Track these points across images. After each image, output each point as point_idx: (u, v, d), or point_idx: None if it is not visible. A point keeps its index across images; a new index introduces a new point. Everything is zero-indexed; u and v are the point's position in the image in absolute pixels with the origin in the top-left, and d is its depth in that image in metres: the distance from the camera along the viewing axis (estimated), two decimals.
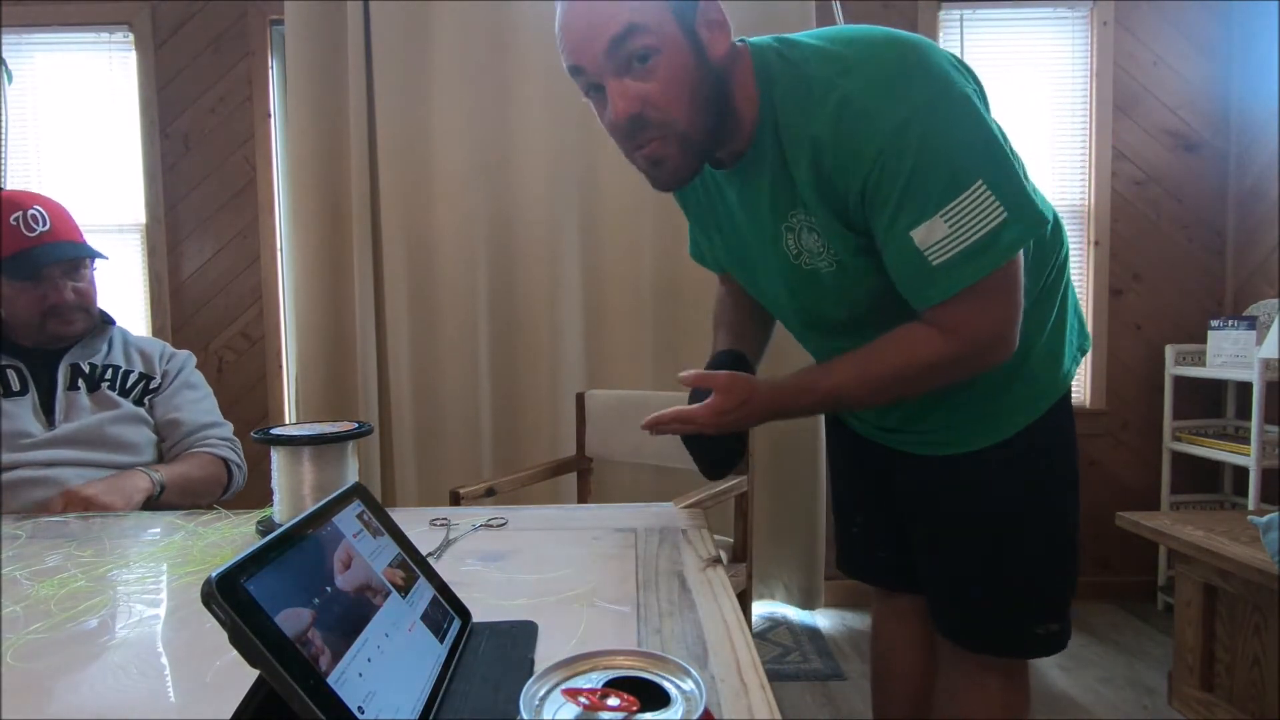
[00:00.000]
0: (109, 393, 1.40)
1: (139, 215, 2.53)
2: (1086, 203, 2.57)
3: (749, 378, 0.97)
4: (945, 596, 1.08)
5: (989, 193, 0.79)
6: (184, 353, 1.55)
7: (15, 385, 1.35)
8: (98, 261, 1.45)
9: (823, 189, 0.86)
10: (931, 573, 1.09)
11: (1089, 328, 2.56)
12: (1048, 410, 1.01)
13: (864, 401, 1.00)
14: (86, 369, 1.41)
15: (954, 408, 1.01)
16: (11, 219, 1.34)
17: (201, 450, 1.43)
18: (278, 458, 0.93)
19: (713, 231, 1.08)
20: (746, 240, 1.01)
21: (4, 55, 2.48)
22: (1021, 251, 0.85)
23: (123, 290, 2.54)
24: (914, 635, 1.23)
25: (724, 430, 0.96)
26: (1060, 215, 1.01)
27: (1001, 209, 0.80)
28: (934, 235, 0.81)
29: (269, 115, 2.51)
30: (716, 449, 1.02)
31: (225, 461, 1.45)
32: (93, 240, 1.48)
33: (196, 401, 1.50)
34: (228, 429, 1.51)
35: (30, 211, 1.36)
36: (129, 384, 1.44)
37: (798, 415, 1.03)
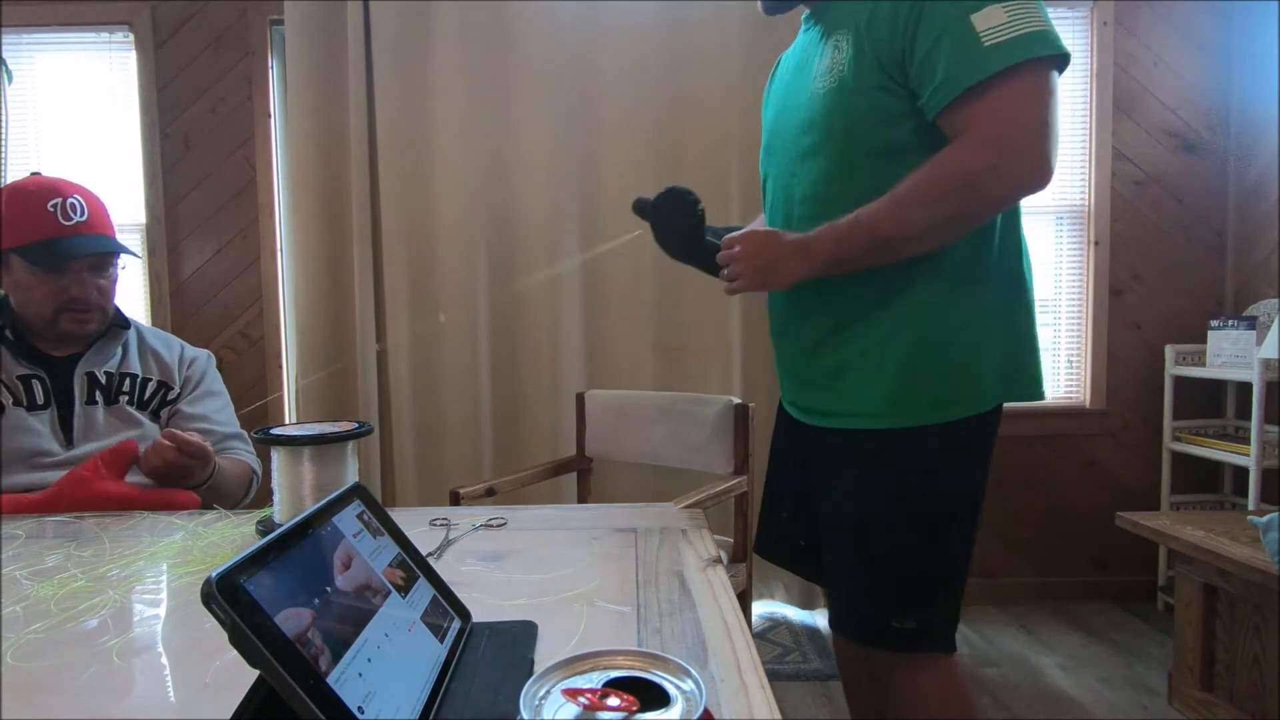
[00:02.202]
0: (128, 408, 1.35)
1: (139, 215, 2.53)
2: (1086, 203, 2.57)
3: (766, 229, 1.08)
4: (829, 583, 1.13)
5: (1039, 6, 0.91)
6: (203, 353, 1.49)
7: (40, 399, 1.30)
8: (123, 259, 1.39)
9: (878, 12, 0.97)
10: (826, 559, 1.13)
11: (1086, 335, 2.61)
12: (955, 422, 1.01)
13: (899, 234, 0.96)
14: (103, 379, 1.35)
15: (871, 367, 1.03)
16: (49, 205, 1.29)
17: (233, 456, 1.40)
18: (278, 458, 0.93)
19: (767, 98, 1.23)
20: (785, 84, 1.16)
21: (4, 55, 2.47)
22: (1050, 99, 0.90)
23: (123, 290, 2.53)
24: None
25: (770, 284, 1.06)
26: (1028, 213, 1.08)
27: (1047, 23, 0.90)
28: (992, 20, 0.89)
29: (269, 115, 2.51)
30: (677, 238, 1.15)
31: (252, 469, 1.42)
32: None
33: (219, 410, 1.45)
34: (248, 440, 1.46)
35: (70, 200, 1.30)
36: (147, 394, 1.38)
37: (838, 262, 1.01)
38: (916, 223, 0.95)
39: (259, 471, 1.44)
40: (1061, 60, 0.92)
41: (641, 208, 1.18)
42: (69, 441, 1.29)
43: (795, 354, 1.16)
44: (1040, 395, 1.06)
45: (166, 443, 1.20)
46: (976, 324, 1.01)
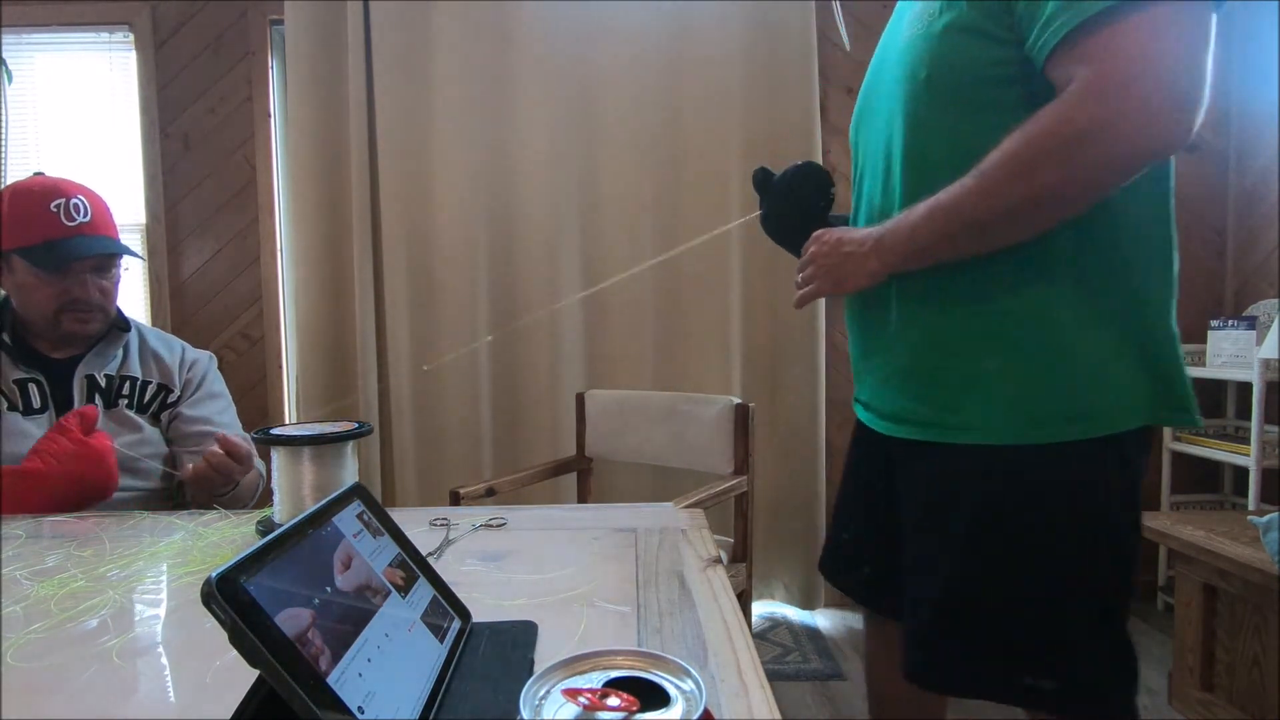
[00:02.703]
0: (127, 412, 1.34)
1: (139, 215, 2.53)
2: None
3: (836, 227, 0.96)
4: (910, 622, 0.92)
5: None
6: (205, 355, 1.48)
7: (36, 403, 1.29)
8: (126, 260, 1.38)
9: None
10: (909, 594, 0.93)
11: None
12: (1098, 440, 0.81)
13: (986, 213, 0.78)
14: (103, 382, 1.34)
15: (980, 377, 0.84)
16: (52, 205, 1.28)
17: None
18: (278, 458, 0.93)
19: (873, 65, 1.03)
20: (884, 38, 0.98)
21: (4, 55, 2.47)
22: (1209, 15, 0.70)
23: (123, 290, 2.53)
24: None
25: (843, 286, 0.92)
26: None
27: None
28: None
29: (269, 115, 2.51)
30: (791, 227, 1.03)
31: (260, 474, 1.41)
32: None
33: (221, 413, 1.44)
34: (251, 443, 1.44)
35: (73, 201, 1.29)
36: (147, 397, 1.37)
37: (915, 254, 0.85)
38: (1006, 198, 0.76)
39: (265, 475, 1.43)
40: None
41: (764, 179, 1.04)
42: None
43: (881, 351, 0.96)
44: (1194, 421, 0.86)
45: (217, 449, 1.19)
46: (1119, 325, 0.83)
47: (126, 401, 1.35)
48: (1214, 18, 0.70)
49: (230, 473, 1.21)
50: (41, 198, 1.29)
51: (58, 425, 1.18)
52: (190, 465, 1.23)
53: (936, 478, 0.90)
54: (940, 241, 0.82)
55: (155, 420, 1.38)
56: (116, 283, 1.38)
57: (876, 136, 0.96)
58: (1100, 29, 0.70)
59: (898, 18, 0.96)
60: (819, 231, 0.96)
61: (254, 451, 1.35)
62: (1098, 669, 0.83)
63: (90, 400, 1.33)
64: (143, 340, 1.43)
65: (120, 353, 1.38)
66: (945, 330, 0.88)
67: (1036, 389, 0.82)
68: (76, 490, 1.15)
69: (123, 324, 1.41)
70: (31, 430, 1.26)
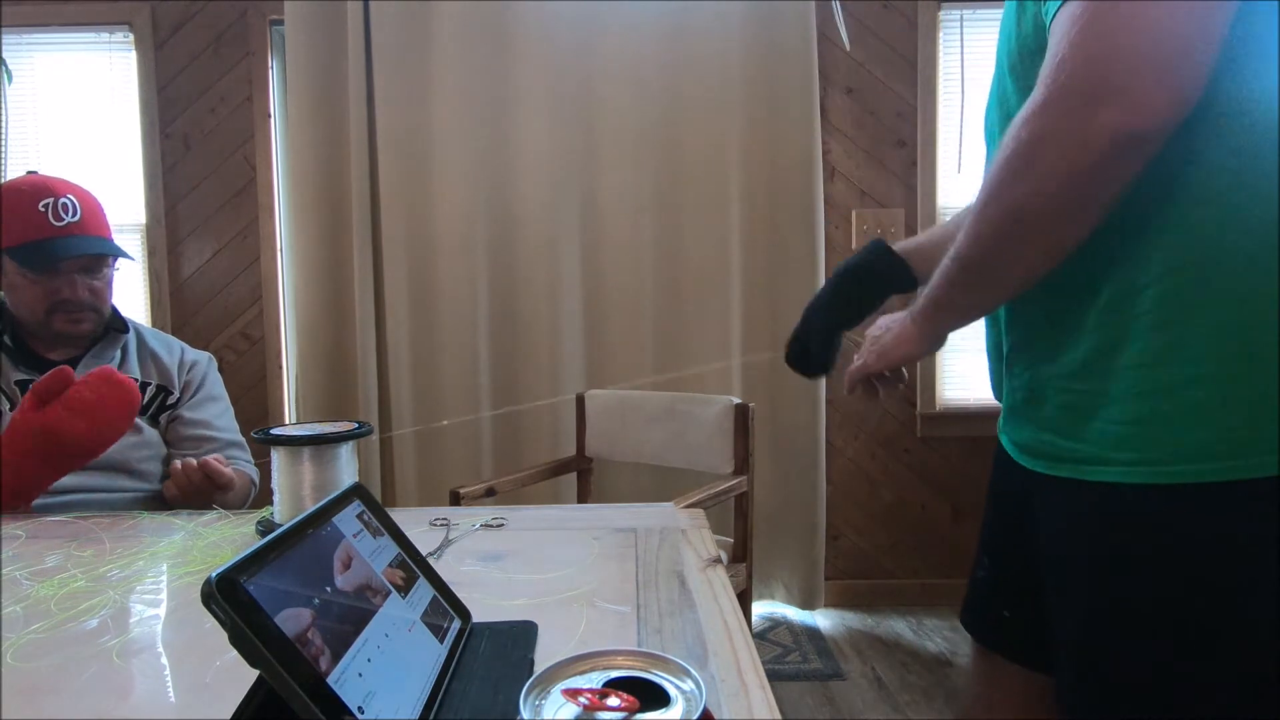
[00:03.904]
0: None
1: (139, 215, 2.53)
2: None
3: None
4: (1074, 673, 0.75)
5: None
6: (204, 356, 1.48)
7: None
8: (120, 261, 1.37)
9: None
10: (1059, 638, 0.77)
11: None
12: (1236, 483, 0.62)
13: (975, 249, 0.69)
14: None
15: (1133, 397, 0.66)
16: (40, 205, 1.27)
17: (234, 468, 1.39)
18: (278, 458, 0.93)
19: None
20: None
21: (4, 55, 2.47)
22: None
23: (123, 290, 2.53)
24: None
25: (888, 357, 0.89)
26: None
27: None
28: None
29: (269, 115, 2.51)
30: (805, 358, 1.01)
31: (251, 480, 1.41)
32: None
33: (220, 415, 1.44)
34: (247, 448, 1.45)
35: (62, 200, 1.28)
36: (146, 399, 1.36)
37: (937, 310, 0.79)
38: (980, 228, 0.67)
39: (257, 482, 1.43)
40: None
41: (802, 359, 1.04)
42: None
43: (1014, 374, 0.81)
44: None
45: (196, 468, 1.20)
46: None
47: None
48: None
49: (205, 494, 1.21)
50: (31, 197, 1.28)
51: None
52: (168, 480, 1.24)
53: (1065, 519, 0.76)
54: (953, 290, 0.74)
55: (154, 422, 1.38)
56: (109, 283, 1.37)
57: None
58: (1069, 10, 0.59)
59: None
60: (872, 332, 0.94)
61: (241, 476, 1.36)
62: None
63: None
64: (141, 341, 1.43)
65: (118, 354, 1.38)
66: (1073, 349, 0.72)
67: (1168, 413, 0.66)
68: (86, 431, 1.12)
69: (120, 325, 1.40)
70: None
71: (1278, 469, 0.62)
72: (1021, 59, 0.70)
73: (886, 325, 0.92)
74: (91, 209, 1.33)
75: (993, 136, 0.80)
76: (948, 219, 1.09)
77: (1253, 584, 0.64)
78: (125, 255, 1.36)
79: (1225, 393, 0.63)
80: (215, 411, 1.43)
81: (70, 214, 1.29)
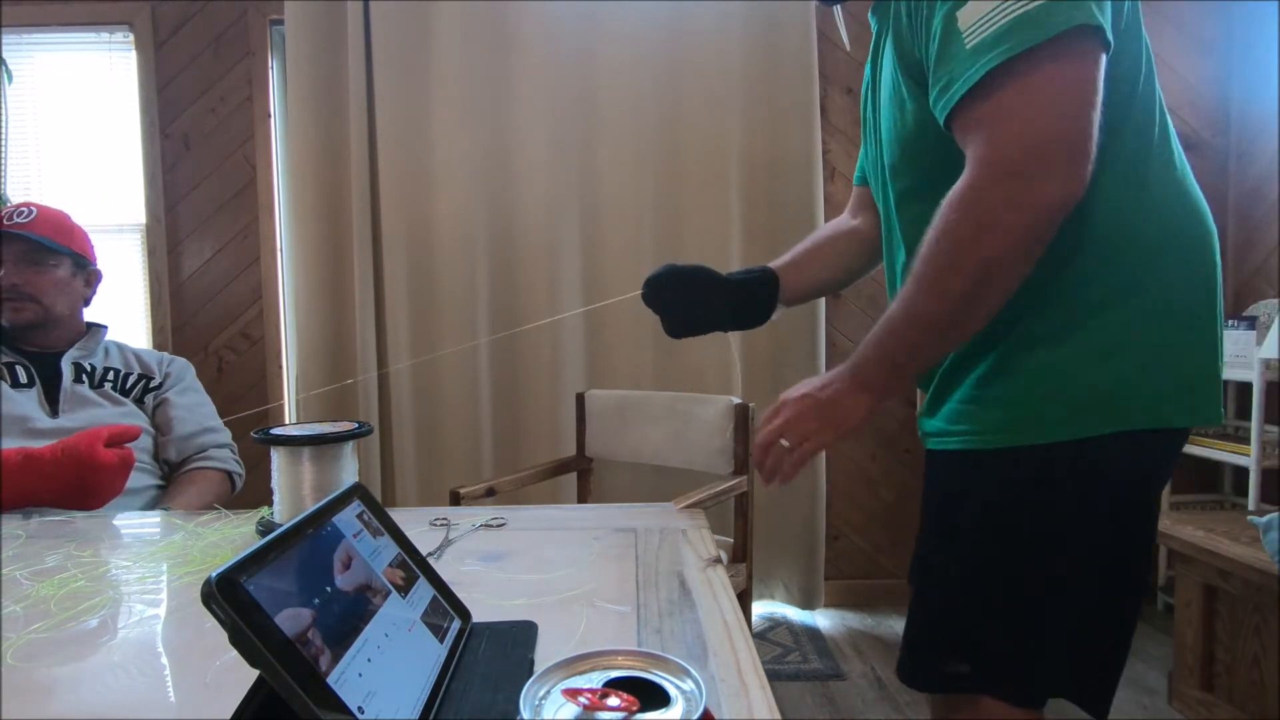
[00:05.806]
0: (111, 392, 1.43)
1: (139, 215, 2.53)
2: None
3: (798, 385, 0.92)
4: (922, 571, 0.96)
5: None
6: (182, 360, 1.58)
7: (23, 379, 1.38)
8: (89, 272, 1.48)
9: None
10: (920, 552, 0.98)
11: None
12: (1087, 441, 0.81)
13: (934, 313, 0.79)
14: (89, 368, 1.43)
15: (981, 380, 0.87)
16: (4, 212, 1.40)
17: (204, 466, 1.45)
18: (278, 458, 0.93)
19: (864, 103, 1.05)
20: (877, 91, 0.99)
21: (4, 55, 2.47)
22: (1093, 59, 0.71)
23: (123, 290, 2.54)
24: None
25: (841, 427, 0.87)
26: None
27: None
28: (975, 14, 0.72)
29: (269, 115, 2.51)
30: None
31: (228, 474, 1.48)
32: (93, 241, 1.51)
33: (197, 405, 1.52)
34: (226, 434, 1.53)
35: (22, 208, 1.41)
36: (129, 384, 1.46)
37: (898, 369, 0.85)
38: (939, 295, 0.78)
39: (236, 469, 1.50)
40: (1080, 34, 0.70)
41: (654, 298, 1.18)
42: (54, 413, 1.36)
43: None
44: (1212, 415, 0.86)
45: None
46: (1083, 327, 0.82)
47: (111, 384, 1.44)
48: (1102, 59, 0.72)
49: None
50: (7, 212, 1.41)
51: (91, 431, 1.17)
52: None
53: (933, 478, 0.97)
54: (917, 350, 0.83)
55: (139, 405, 1.46)
56: (58, 282, 1.43)
57: (883, 208, 1.01)
58: (968, 108, 0.74)
59: (871, 65, 1.01)
60: (782, 399, 0.90)
61: (216, 475, 1.46)
62: (1008, 660, 0.88)
63: (78, 378, 1.41)
64: (121, 345, 1.54)
65: (103, 352, 1.49)
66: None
67: (1008, 392, 0.87)
68: (62, 485, 1.12)
69: (97, 324, 1.51)
70: (17, 397, 1.34)
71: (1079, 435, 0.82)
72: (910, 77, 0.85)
73: (802, 398, 0.88)
74: (51, 217, 1.43)
75: (883, 120, 0.95)
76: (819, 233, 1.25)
77: (1036, 507, 0.85)
78: (57, 248, 1.42)
79: (1027, 383, 0.84)
80: (194, 400, 1.52)
81: (23, 217, 1.40)
